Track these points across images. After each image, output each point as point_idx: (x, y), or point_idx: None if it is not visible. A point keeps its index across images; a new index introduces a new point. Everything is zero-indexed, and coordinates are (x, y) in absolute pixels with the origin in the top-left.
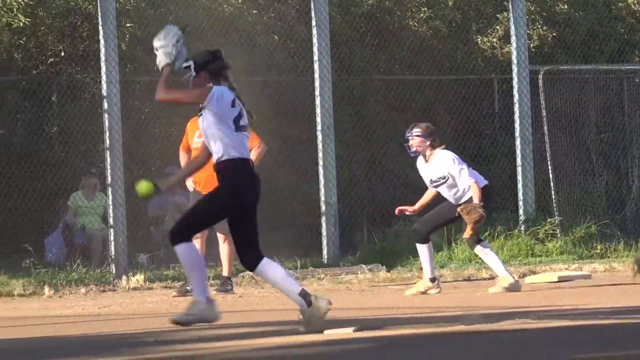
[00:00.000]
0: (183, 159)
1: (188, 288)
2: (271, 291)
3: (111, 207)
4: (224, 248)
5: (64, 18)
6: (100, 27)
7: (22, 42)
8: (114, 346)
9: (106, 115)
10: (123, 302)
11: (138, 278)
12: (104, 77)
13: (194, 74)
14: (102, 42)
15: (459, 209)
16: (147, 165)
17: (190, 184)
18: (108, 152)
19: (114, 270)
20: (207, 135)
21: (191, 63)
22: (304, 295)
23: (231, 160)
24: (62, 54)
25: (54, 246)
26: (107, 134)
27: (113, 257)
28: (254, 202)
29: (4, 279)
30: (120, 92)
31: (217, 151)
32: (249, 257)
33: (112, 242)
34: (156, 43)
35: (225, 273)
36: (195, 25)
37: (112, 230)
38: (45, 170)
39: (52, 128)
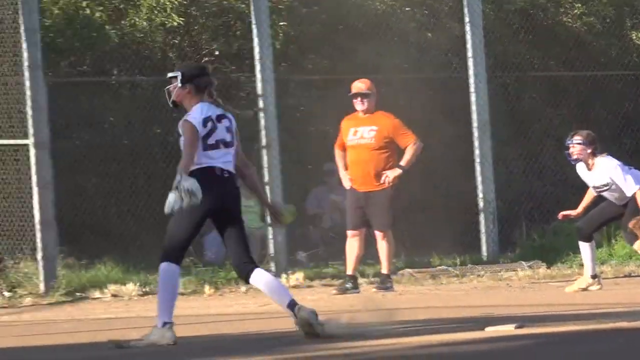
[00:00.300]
0: (339, 157)
1: (347, 286)
2: (431, 288)
3: None
4: (383, 246)
5: (218, 17)
6: (253, 26)
7: (176, 41)
8: (274, 344)
9: (262, 114)
10: None
11: (297, 276)
12: (258, 76)
13: (179, 84)
14: (255, 40)
15: (630, 225)
16: (303, 163)
17: (347, 182)
18: (264, 150)
19: (273, 268)
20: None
21: (178, 74)
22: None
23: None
24: (216, 53)
25: (213, 245)
26: (263, 132)
27: (272, 255)
28: (220, 205)
29: None
30: (275, 90)
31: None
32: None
33: (271, 241)
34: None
35: (384, 271)
36: (347, 23)
37: (270, 228)
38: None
39: None
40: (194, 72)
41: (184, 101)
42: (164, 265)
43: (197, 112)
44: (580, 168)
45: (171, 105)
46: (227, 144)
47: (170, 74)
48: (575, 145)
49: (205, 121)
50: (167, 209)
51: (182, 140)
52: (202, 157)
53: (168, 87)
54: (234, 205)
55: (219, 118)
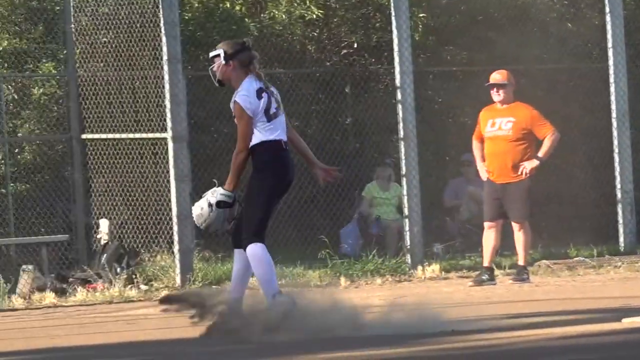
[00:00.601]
0: (476, 148)
1: (484, 278)
2: (567, 279)
3: (406, 197)
4: (519, 237)
5: (357, 9)
6: (393, 18)
7: (315, 34)
8: (413, 336)
9: (400, 106)
10: (419, 292)
11: (434, 268)
12: (397, 68)
13: (223, 62)
14: (394, 32)
15: None
16: (440, 155)
17: (484, 173)
18: (402, 142)
19: (409, 260)
20: None
21: (221, 52)
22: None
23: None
24: (355, 45)
25: (349, 237)
26: (401, 124)
27: (408, 247)
28: (289, 178)
29: (300, 270)
30: (413, 82)
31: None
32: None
33: (407, 233)
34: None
35: (521, 262)
36: (487, 14)
37: (407, 220)
38: (339, 161)
39: (346, 119)
40: (236, 47)
41: (230, 78)
42: (252, 248)
43: (247, 86)
44: None
45: (217, 85)
46: (276, 114)
47: (212, 53)
48: None
49: (258, 92)
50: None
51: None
52: (265, 130)
53: (212, 67)
54: (294, 177)
55: (265, 90)
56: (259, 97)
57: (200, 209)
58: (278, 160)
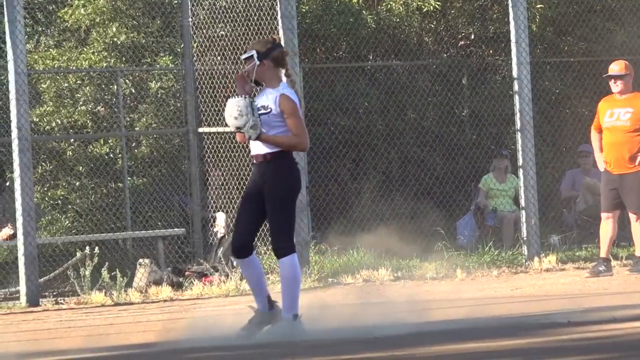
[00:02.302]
0: (594, 139)
1: (601, 269)
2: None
3: (522, 188)
4: (636, 228)
5: (474, 1)
6: (510, 9)
7: (432, 25)
8: (527, 328)
9: (517, 97)
10: (535, 284)
11: (550, 259)
12: (514, 59)
13: (257, 62)
14: (512, 23)
15: None
16: (557, 146)
17: (601, 164)
18: (519, 133)
19: (525, 252)
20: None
21: (253, 53)
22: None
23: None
24: (472, 36)
25: (465, 229)
26: (518, 115)
27: (525, 238)
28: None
29: (416, 262)
30: (530, 73)
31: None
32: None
33: (524, 224)
34: (235, 123)
35: (638, 253)
36: (604, 4)
37: (523, 212)
38: (456, 152)
39: (463, 111)
40: (267, 46)
41: (265, 78)
42: (293, 259)
43: (287, 86)
44: None
45: (254, 85)
46: None
47: (244, 56)
48: None
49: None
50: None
51: (271, 114)
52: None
53: (245, 70)
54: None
55: None
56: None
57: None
58: (296, 165)
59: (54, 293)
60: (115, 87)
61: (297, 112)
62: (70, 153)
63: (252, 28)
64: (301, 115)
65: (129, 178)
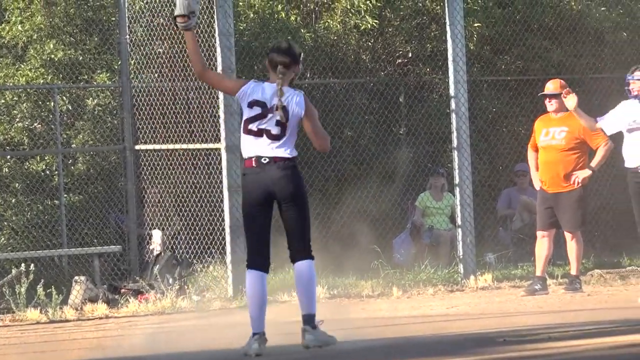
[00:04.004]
0: (531, 158)
1: (536, 287)
2: (620, 289)
3: (459, 207)
4: (572, 246)
5: (412, 19)
6: (447, 28)
7: (370, 43)
8: (462, 346)
9: (454, 115)
10: (471, 302)
11: (486, 278)
12: (451, 77)
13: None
14: (449, 42)
15: None
16: (494, 164)
17: (537, 182)
18: (455, 152)
19: (461, 270)
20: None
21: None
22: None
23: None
24: (410, 54)
25: (402, 247)
26: (455, 133)
27: (461, 257)
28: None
29: (352, 280)
30: (467, 91)
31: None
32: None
33: (460, 242)
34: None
35: (573, 272)
36: (542, 23)
37: (459, 230)
38: (393, 171)
39: (400, 129)
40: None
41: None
42: (313, 264)
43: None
44: (630, 106)
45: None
46: None
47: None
48: (637, 81)
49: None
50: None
51: (293, 114)
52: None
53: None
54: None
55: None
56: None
57: None
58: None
59: None
60: (52, 104)
61: (315, 114)
62: (7, 170)
63: None
64: None
65: (65, 195)
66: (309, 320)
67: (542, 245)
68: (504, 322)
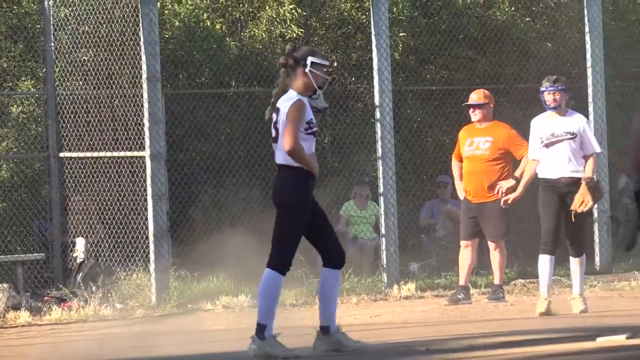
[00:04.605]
0: (455, 167)
1: (459, 297)
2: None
3: (383, 216)
4: (495, 256)
5: (337, 28)
6: (373, 37)
7: None
8: (385, 355)
9: (378, 125)
10: (394, 311)
11: (409, 287)
12: (376, 87)
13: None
14: (374, 51)
15: (584, 180)
16: (418, 174)
17: (461, 192)
18: (380, 161)
19: (385, 279)
20: None
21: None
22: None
23: None
24: (335, 64)
25: None
26: (379, 143)
27: (384, 266)
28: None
29: None
30: (392, 101)
31: None
32: None
33: (384, 251)
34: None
35: (496, 281)
36: (467, 33)
37: (383, 239)
38: (318, 179)
39: (325, 138)
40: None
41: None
42: (269, 272)
43: None
44: (545, 118)
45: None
46: (272, 139)
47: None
48: (561, 92)
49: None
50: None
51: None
52: None
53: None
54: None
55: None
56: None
57: None
58: None
59: None
60: None
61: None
62: None
63: (114, 53)
64: None
65: None
66: (256, 329)
67: (466, 254)
68: (427, 331)
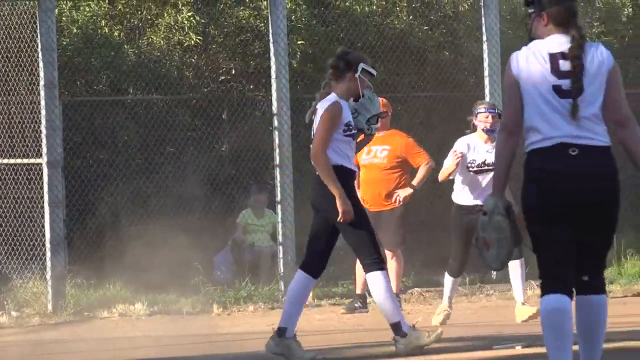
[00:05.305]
0: None
1: (356, 305)
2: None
3: (280, 224)
4: (392, 265)
5: (236, 36)
6: (271, 45)
7: (193, 60)
8: None
9: (276, 133)
10: None
11: None
12: (274, 95)
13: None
14: (272, 59)
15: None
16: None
17: None
18: (278, 169)
19: (282, 287)
20: None
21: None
22: None
23: None
24: (233, 71)
25: (222, 264)
26: (277, 151)
27: (282, 274)
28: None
29: (172, 297)
30: (290, 109)
31: None
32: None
33: (281, 260)
34: None
35: (393, 289)
36: (365, 41)
37: (281, 247)
38: (215, 187)
39: (222, 146)
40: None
41: None
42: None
43: None
44: (479, 142)
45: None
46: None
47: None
48: (495, 117)
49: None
50: None
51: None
52: None
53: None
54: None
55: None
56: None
57: None
58: None
59: None
60: None
61: None
62: None
63: (12, 60)
64: None
65: None
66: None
67: None
68: (324, 339)
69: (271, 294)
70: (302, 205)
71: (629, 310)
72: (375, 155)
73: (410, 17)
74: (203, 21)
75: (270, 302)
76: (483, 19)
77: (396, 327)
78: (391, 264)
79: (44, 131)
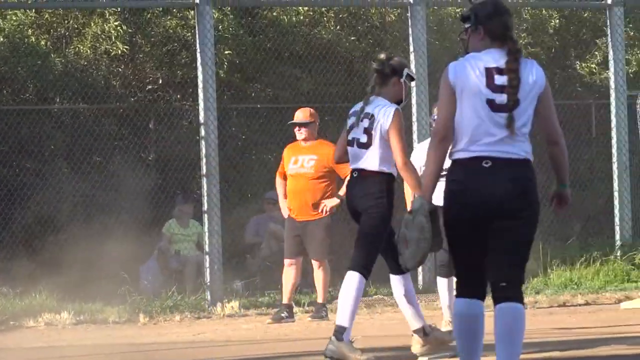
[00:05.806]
0: (279, 185)
1: (283, 315)
2: (366, 317)
3: (207, 234)
4: (319, 275)
5: (162, 45)
6: (198, 55)
7: (120, 69)
8: None
9: (203, 142)
10: (217, 329)
11: (233, 305)
12: (201, 104)
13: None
14: (199, 69)
15: None
16: (243, 192)
17: (285, 210)
18: (204, 179)
19: (209, 297)
20: None
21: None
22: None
23: None
24: (160, 81)
25: (149, 273)
26: (204, 160)
27: (208, 284)
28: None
29: (98, 306)
30: (217, 119)
31: None
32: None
33: (208, 269)
34: None
35: (320, 300)
36: (293, 51)
37: (207, 257)
38: (141, 197)
39: (149, 155)
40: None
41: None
42: (350, 274)
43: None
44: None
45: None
46: (360, 144)
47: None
48: None
49: (350, 115)
50: None
51: (378, 123)
52: None
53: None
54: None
55: (362, 115)
56: (349, 116)
57: None
58: None
59: None
60: None
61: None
62: None
63: None
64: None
65: None
66: (335, 330)
67: (289, 273)
68: (250, 349)
69: (197, 304)
70: (228, 215)
71: (554, 320)
72: (303, 165)
73: (338, 27)
74: (130, 30)
75: (197, 311)
76: (410, 29)
77: (342, 331)
78: (318, 273)
79: None
